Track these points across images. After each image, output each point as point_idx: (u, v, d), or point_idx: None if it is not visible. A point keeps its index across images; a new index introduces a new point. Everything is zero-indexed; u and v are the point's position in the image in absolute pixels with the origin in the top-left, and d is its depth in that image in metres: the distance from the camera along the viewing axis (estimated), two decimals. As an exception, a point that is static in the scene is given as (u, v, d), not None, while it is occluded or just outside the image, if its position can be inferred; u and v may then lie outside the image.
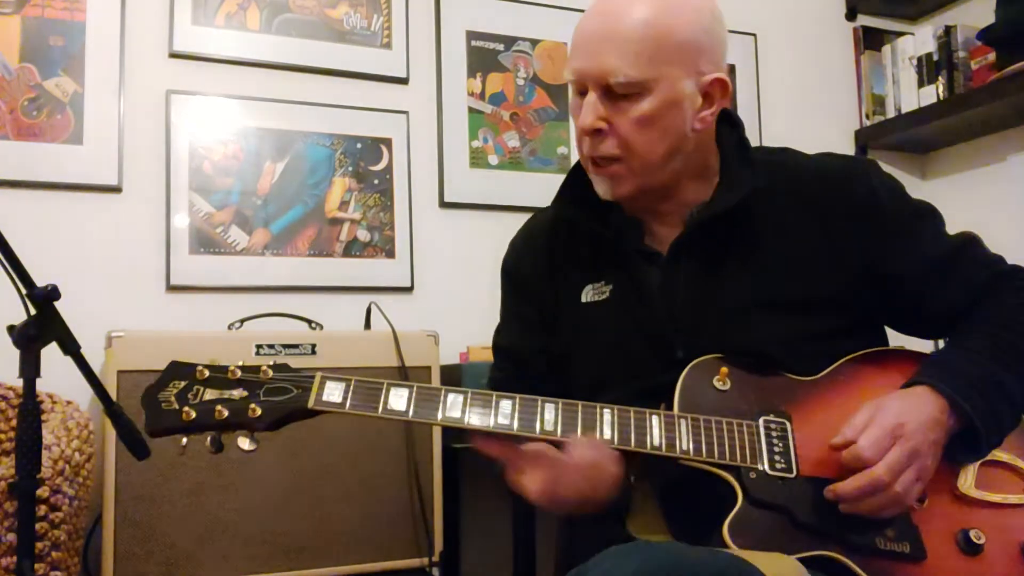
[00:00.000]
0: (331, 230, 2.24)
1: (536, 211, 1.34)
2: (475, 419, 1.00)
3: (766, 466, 1.01)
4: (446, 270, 2.35)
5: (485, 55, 2.46)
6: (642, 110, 1.07)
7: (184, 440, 1.02)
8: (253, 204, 2.17)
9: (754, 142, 2.80)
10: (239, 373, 1.03)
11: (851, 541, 0.98)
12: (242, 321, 2.00)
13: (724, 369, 1.07)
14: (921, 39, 2.70)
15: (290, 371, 1.03)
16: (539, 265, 1.26)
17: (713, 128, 1.17)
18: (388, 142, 2.32)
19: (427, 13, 2.41)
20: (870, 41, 2.89)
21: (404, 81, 2.36)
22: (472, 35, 2.45)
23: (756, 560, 0.89)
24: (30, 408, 1.15)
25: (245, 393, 1.01)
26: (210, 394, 1.02)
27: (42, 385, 1.19)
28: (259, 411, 1.00)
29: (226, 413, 1.00)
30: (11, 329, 1.16)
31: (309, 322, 2.06)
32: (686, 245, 1.14)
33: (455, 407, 1.00)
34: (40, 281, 1.17)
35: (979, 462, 1.06)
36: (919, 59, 2.69)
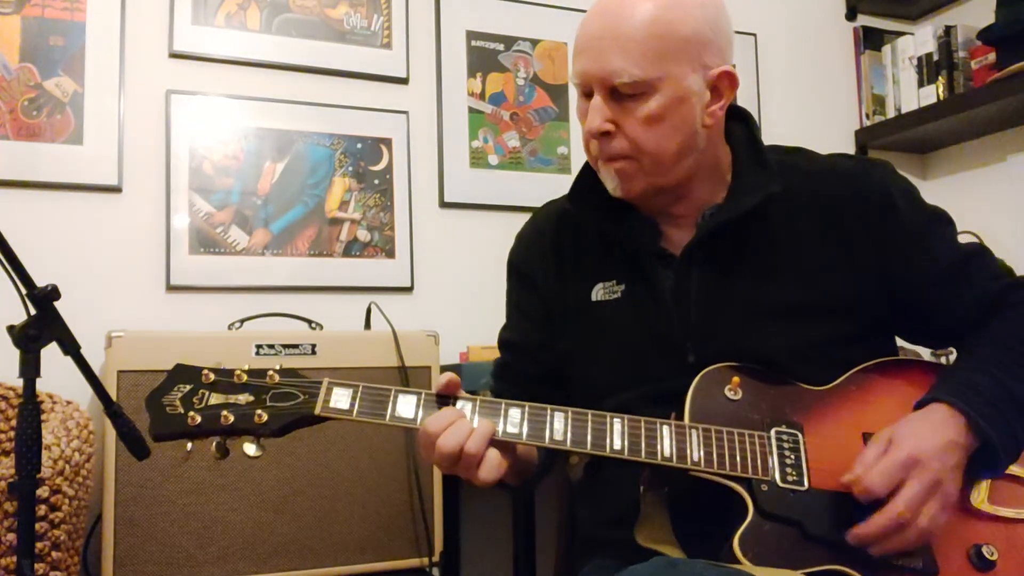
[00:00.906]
0: (331, 230, 2.24)
1: (543, 205, 1.32)
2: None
3: (777, 478, 0.99)
4: (446, 270, 2.35)
5: (485, 55, 2.46)
6: (649, 109, 1.06)
7: (189, 445, 1.00)
8: (253, 204, 2.17)
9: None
10: (245, 377, 1.01)
11: (862, 556, 0.96)
12: (242, 321, 2.00)
13: (736, 378, 1.05)
14: (921, 39, 2.70)
15: (297, 376, 1.01)
16: (547, 259, 1.24)
17: (723, 124, 1.16)
18: (388, 142, 2.32)
19: (427, 13, 2.41)
20: (870, 41, 2.89)
21: (404, 81, 2.36)
22: (472, 35, 2.45)
23: None
24: (30, 408, 1.15)
25: (251, 398, 1.00)
26: (215, 399, 1.00)
27: (42, 385, 1.19)
28: (265, 417, 0.98)
29: (232, 419, 0.98)
30: (11, 329, 1.16)
31: (309, 322, 2.06)
32: (699, 249, 1.13)
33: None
34: (40, 281, 1.17)
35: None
36: (919, 59, 2.69)
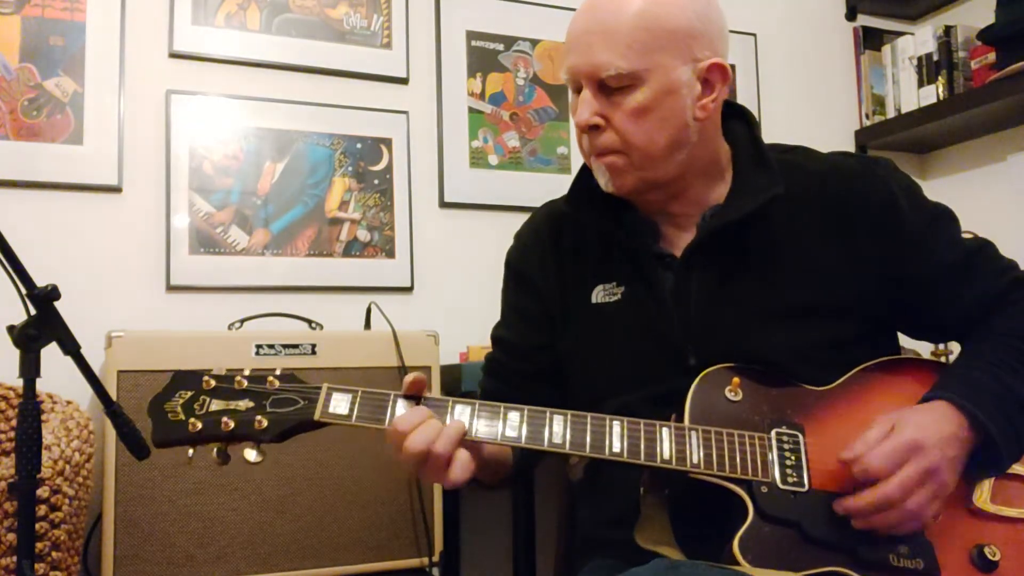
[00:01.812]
0: (331, 230, 2.24)
1: (542, 205, 1.31)
2: (482, 430, 0.99)
3: (778, 480, 0.99)
4: (446, 270, 2.35)
5: (485, 55, 2.46)
6: (636, 101, 1.06)
7: (191, 452, 1.01)
8: (253, 204, 2.17)
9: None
10: (245, 383, 1.01)
11: (863, 557, 0.96)
12: (242, 321, 2.00)
13: (736, 379, 1.05)
14: (921, 39, 2.70)
15: (296, 381, 1.01)
16: (545, 260, 1.24)
17: (719, 121, 1.15)
18: (388, 142, 2.32)
19: (427, 13, 2.41)
20: (870, 41, 2.89)
21: (404, 81, 2.36)
22: (472, 35, 2.45)
23: None
24: (30, 408, 1.15)
25: (251, 404, 1.00)
26: (216, 405, 1.00)
27: (42, 385, 1.19)
28: (265, 423, 0.99)
29: (232, 425, 0.98)
30: (11, 329, 1.16)
31: (309, 322, 2.06)
32: (700, 251, 1.12)
33: (462, 418, 0.99)
34: (40, 281, 1.17)
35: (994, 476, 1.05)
36: (919, 59, 2.69)
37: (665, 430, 1.00)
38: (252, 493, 1.76)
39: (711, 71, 1.09)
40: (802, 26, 2.89)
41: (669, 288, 1.13)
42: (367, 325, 2.12)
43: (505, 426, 0.99)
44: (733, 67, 2.74)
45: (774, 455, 1.00)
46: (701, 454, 0.98)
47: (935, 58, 2.65)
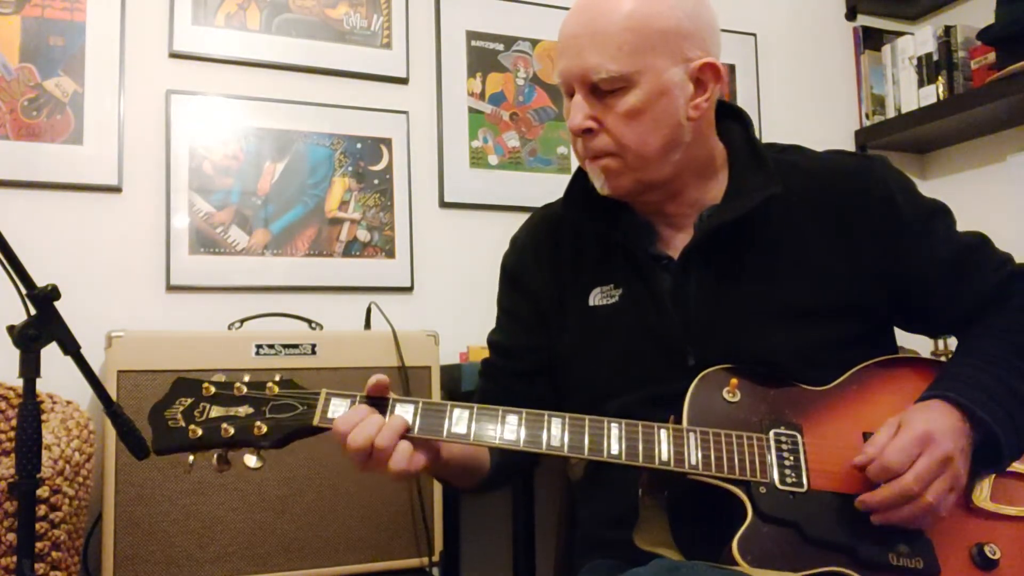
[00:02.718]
0: (331, 230, 2.24)
1: (539, 208, 1.31)
2: (480, 435, 0.99)
3: (776, 480, 0.99)
4: (446, 270, 2.35)
5: (485, 55, 2.46)
6: (629, 103, 1.06)
7: (191, 458, 1.01)
8: (253, 204, 2.17)
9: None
10: (245, 389, 1.01)
11: (863, 557, 0.96)
12: (242, 321, 2.00)
13: (734, 380, 1.05)
14: (921, 39, 2.70)
15: (295, 387, 1.02)
16: (542, 263, 1.24)
17: (712, 120, 1.15)
18: (388, 142, 2.32)
19: (427, 13, 2.41)
20: (870, 41, 2.89)
21: (404, 81, 2.36)
22: (472, 35, 2.45)
23: None
24: (30, 408, 1.15)
25: (251, 410, 1.00)
26: (216, 411, 1.01)
27: (42, 385, 1.19)
28: (265, 429, 0.99)
29: (232, 431, 0.99)
30: (11, 329, 1.16)
31: (309, 322, 2.06)
32: (697, 251, 1.12)
33: (460, 422, 0.99)
34: (40, 281, 1.17)
35: (994, 475, 1.04)
36: (919, 59, 2.69)
37: (663, 432, 1.00)
38: (252, 493, 1.76)
39: (703, 71, 1.09)
40: (802, 26, 2.89)
41: (667, 289, 1.13)
42: (367, 325, 2.12)
43: (504, 430, 0.99)
44: (733, 67, 2.74)
45: (772, 456, 1.00)
46: (699, 455, 0.98)
47: (935, 58, 2.65)
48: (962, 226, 1.18)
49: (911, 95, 2.71)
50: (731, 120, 1.19)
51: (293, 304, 2.13)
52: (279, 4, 2.25)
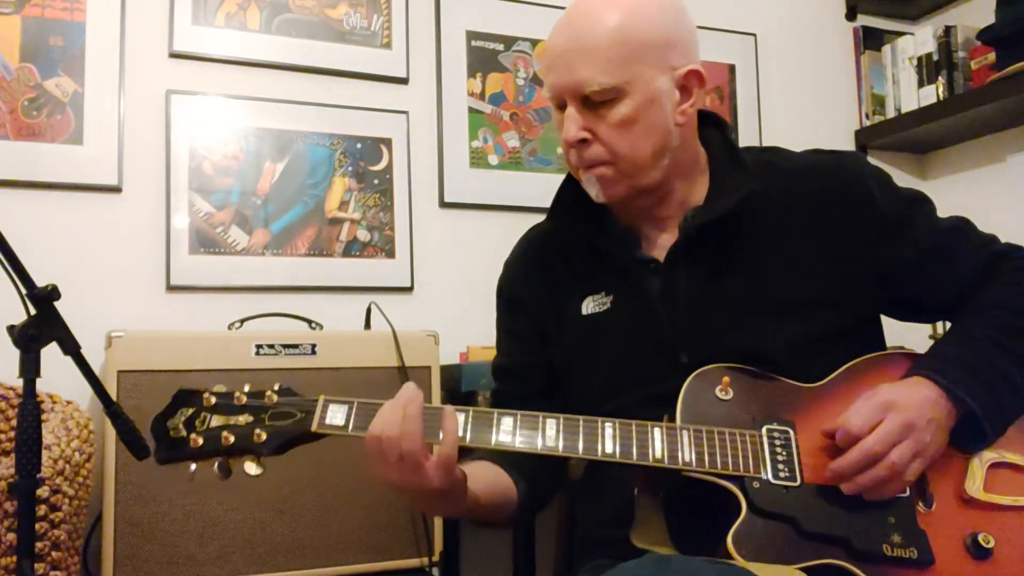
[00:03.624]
0: (331, 230, 2.24)
1: (527, 231, 1.34)
2: (477, 438, 1.00)
3: (769, 475, 1.00)
4: (446, 270, 2.35)
5: (485, 55, 2.46)
6: (621, 114, 1.08)
7: (193, 467, 1.03)
8: (253, 204, 2.17)
9: (754, 142, 2.81)
10: (244, 399, 1.03)
11: (857, 549, 0.97)
12: (242, 321, 2.00)
13: (726, 378, 1.06)
14: (921, 39, 2.70)
15: (294, 395, 1.04)
16: (535, 282, 1.26)
17: (696, 124, 1.18)
18: (388, 142, 2.32)
19: (427, 13, 2.41)
20: (870, 41, 2.88)
21: (404, 81, 2.36)
22: (472, 35, 2.45)
23: (761, 572, 0.89)
24: (30, 408, 1.15)
25: (251, 418, 1.02)
26: (216, 420, 1.03)
27: (42, 385, 1.19)
28: (264, 436, 1.01)
29: (232, 439, 1.01)
30: (11, 329, 1.16)
31: (309, 322, 2.06)
32: (683, 251, 1.15)
33: (454, 422, 1.00)
34: (40, 281, 1.17)
35: (988, 464, 1.05)
36: (919, 59, 2.69)
37: (657, 430, 1.01)
38: (252, 493, 1.76)
39: (688, 77, 1.12)
40: (802, 26, 2.89)
41: (657, 291, 1.15)
42: (367, 325, 2.12)
43: (499, 433, 1.01)
44: (732, 67, 2.74)
45: (765, 451, 1.02)
46: (693, 453, 1.00)
47: (935, 58, 2.65)
48: (963, 226, 1.19)
49: (911, 95, 2.71)
50: (709, 126, 1.22)
51: (293, 304, 2.13)
52: (279, 4, 2.25)
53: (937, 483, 1.03)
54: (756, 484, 0.99)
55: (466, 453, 1.07)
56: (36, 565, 1.44)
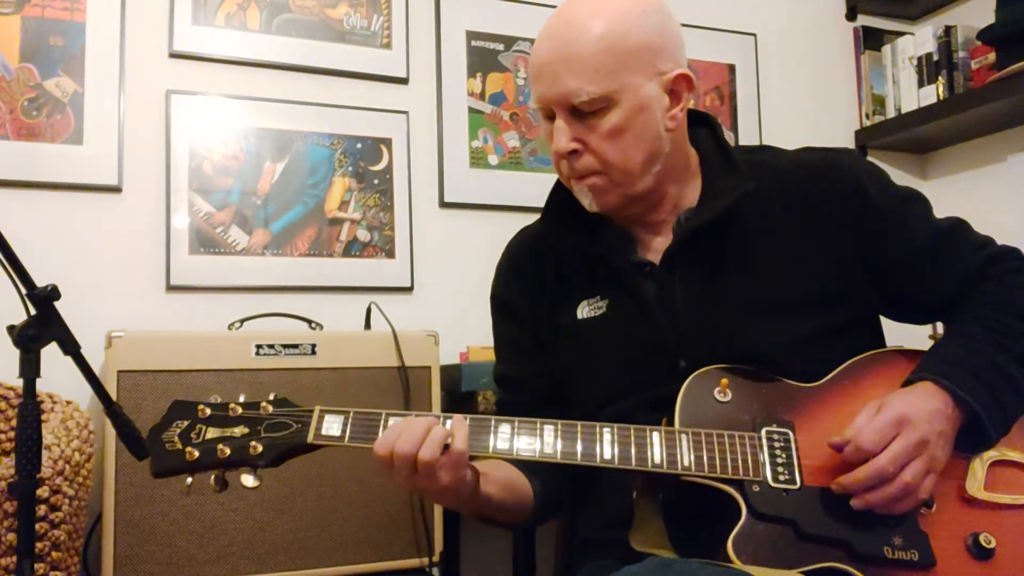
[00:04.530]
0: (331, 230, 2.24)
1: (516, 233, 1.33)
2: (475, 445, 1.00)
3: (769, 478, 0.99)
4: (446, 270, 2.35)
5: (485, 55, 2.46)
6: (611, 123, 1.07)
7: (189, 480, 1.03)
8: (253, 204, 2.17)
9: (754, 141, 2.80)
10: (240, 410, 1.04)
11: (858, 551, 0.96)
12: (242, 321, 2.00)
13: (724, 380, 1.06)
14: (921, 39, 2.70)
15: (289, 406, 1.04)
16: (528, 288, 1.25)
17: (686, 127, 1.17)
18: (388, 142, 2.32)
19: (427, 13, 2.41)
20: (870, 41, 2.88)
21: (404, 81, 2.36)
22: (472, 35, 2.45)
23: None
24: (30, 408, 1.15)
25: (246, 430, 1.02)
26: (212, 432, 1.03)
27: (42, 385, 1.19)
28: (260, 448, 1.01)
29: (228, 451, 1.01)
30: (11, 329, 1.16)
31: (309, 322, 2.06)
32: (678, 254, 1.14)
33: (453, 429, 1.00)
34: (40, 281, 1.17)
35: (989, 463, 1.05)
36: (919, 59, 2.69)
37: (655, 435, 1.01)
38: (252, 493, 1.76)
39: (677, 82, 1.11)
40: (802, 26, 2.89)
41: (652, 295, 1.14)
42: (367, 325, 2.12)
43: (496, 439, 1.00)
44: (732, 67, 2.74)
45: (764, 454, 1.01)
46: (692, 457, 0.99)
47: (935, 58, 2.65)
48: (963, 226, 1.19)
49: (911, 95, 2.71)
50: (699, 126, 1.21)
51: (293, 304, 2.13)
52: (279, 4, 2.25)
53: (938, 483, 1.02)
54: (756, 487, 0.99)
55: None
56: (36, 565, 1.44)
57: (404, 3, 2.38)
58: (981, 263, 1.14)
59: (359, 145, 2.29)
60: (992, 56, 2.48)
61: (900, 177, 2.76)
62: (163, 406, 1.07)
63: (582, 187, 1.12)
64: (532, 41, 2.48)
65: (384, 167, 2.31)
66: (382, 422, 1.02)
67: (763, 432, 1.03)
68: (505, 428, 1.01)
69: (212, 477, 1.02)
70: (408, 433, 0.98)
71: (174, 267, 2.07)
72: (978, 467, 1.05)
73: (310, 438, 1.01)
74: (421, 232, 2.34)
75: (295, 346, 1.84)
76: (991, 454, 1.06)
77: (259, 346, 1.82)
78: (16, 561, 1.15)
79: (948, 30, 2.63)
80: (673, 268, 1.14)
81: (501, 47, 2.47)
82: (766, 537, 0.96)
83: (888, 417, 0.98)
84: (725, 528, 0.97)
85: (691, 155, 1.19)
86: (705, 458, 0.99)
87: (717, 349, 1.09)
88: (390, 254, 2.29)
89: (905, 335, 1.29)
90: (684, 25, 1.17)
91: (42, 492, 1.48)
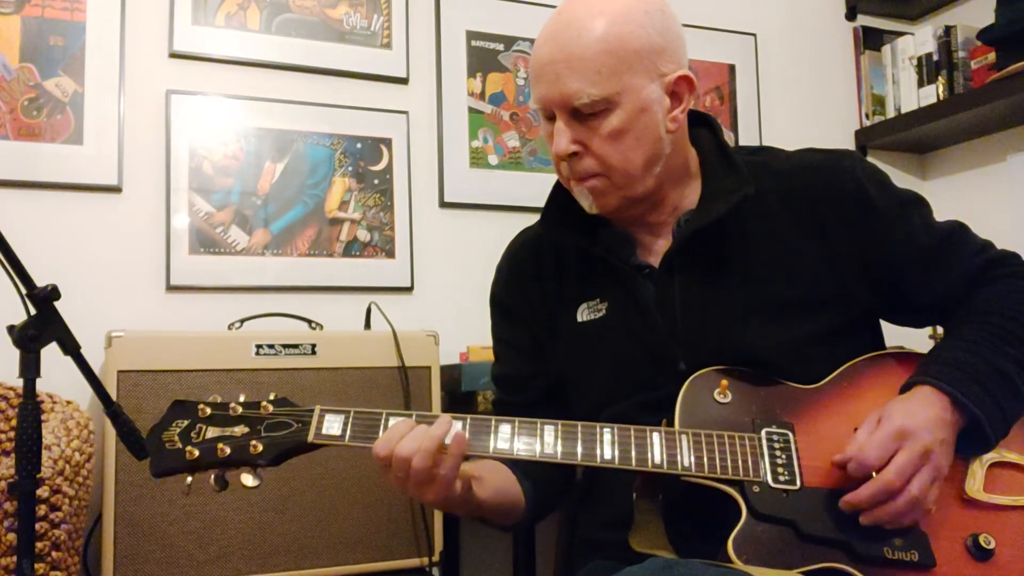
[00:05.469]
0: (331, 230, 2.24)
1: (517, 234, 1.33)
2: (475, 445, 1.00)
3: (769, 479, 0.99)
4: (446, 270, 2.35)
5: (485, 55, 2.46)
6: (612, 125, 1.07)
7: (189, 479, 1.03)
8: (253, 204, 2.17)
9: (754, 142, 2.80)
10: (240, 410, 1.04)
11: (858, 552, 0.96)
12: (242, 321, 2.00)
13: (724, 381, 1.06)
14: (921, 39, 2.70)
15: (289, 405, 1.04)
16: (527, 288, 1.25)
17: (687, 129, 1.17)
18: (388, 142, 2.32)
19: (427, 13, 2.41)
20: (870, 41, 2.88)
21: (404, 81, 2.36)
22: (472, 35, 2.45)
23: None
24: (30, 408, 1.15)
25: (246, 429, 1.02)
26: (212, 432, 1.03)
27: (42, 385, 1.19)
28: (260, 447, 1.01)
29: (228, 451, 1.01)
30: (11, 329, 1.15)
31: (309, 322, 2.06)
32: (678, 257, 1.14)
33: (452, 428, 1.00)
34: (40, 281, 1.17)
35: (988, 464, 1.05)
36: (919, 59, 2.69)
37: (655, 435, 1.01)
38: (252, 493, 1.76)
39: (678, 83, 1.10)
40: (802, 26, 2.89)
41: (652, 297, 1.14)
42: (367, 325, 2.12)
43: (497, 439, 1.00)
44: (732, 67, 2.74)
45: (764, 455, 1.01)
46: (692, 457, 0.99)
47: (935, 58, 2.65)
48: (963, 226, 1.19)
49: (911, 95, 2.71)
50: (700, 126, 1.21)
51: (293, 304, 2.13)
52: (279, 4, 2.25)
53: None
54: (756, 488, 0.99)
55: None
56: (36, 565, 1.44)
57: (404, 3, 2.38)
58: (981, 267, 1.14)
59: (359, 145, 2.29)
60: (992, 56, 2.48)
61: (900, 177, 2.76)
62: (163, 406, 1.07)
63: (582, 189, 1.12)
64: (532, 41, 2.49)
65: (384, 167, 2.31)
66: (382, 422, 1.02)
67: (763, 433, 1.03)
68: (505, 429, 1.01)
69: (212, 477, 1.02)
70: (409, 439, 0.98)
71: (174, 267, 2.07)
72: (977, 468, 1.05)
73: (310, 437, 1.01)
74: (421, 232, 2.34)
75: (295, 346, 1.84)
76: (990, 456, 1.06)
77: (259, 346, 1.82)
78: (16, 561, 1.15)
79: (948, 30, 2.63)
80: (672, 270, 1.14)
81: (501, 47, 2.47)
82: (766, 537, 0.96)
83: (889, 430, 0.98)
84: (725, 529, 0.97)
85: (691, 156, 1.19)
86: (705, 458, 0.99)
87: (715, 351, 1.09)
88: (390, 254, 2.29)
89: (905, 336, 1.29)
90: (684, 25, 1.17)
91: (42, 492, 1.48)
